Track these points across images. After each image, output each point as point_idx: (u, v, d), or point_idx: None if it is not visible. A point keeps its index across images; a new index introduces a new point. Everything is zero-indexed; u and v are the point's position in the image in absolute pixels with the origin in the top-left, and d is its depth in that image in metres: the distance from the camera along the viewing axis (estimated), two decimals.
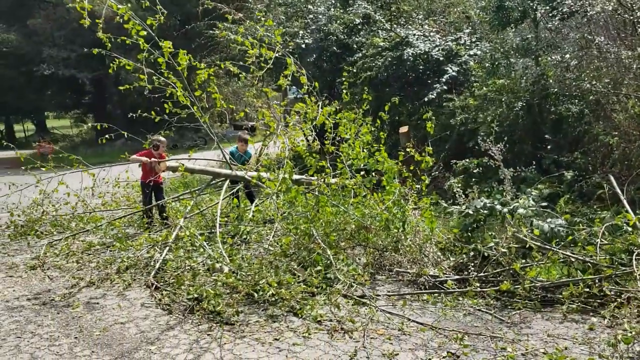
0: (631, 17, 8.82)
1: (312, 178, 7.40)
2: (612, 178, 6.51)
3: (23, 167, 8.22)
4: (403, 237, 6.51)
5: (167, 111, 7.47)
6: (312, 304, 5.15)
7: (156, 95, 7.15)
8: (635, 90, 9.10)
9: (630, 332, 4.10)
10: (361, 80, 12.19)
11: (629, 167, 8.51)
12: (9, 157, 23.02)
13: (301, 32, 13.87)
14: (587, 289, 4.91)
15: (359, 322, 4.80)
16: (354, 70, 12.22)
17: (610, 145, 8.81)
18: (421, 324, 4.74)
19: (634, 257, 4.86)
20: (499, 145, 7.65)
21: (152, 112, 7.52)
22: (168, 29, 24.80)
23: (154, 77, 7.12)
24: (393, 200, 6.73)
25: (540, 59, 9.95)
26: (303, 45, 13.54)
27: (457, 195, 7.35)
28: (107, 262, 6.96)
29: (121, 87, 7.58)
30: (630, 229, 5.43)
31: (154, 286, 5.94)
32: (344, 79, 8.29)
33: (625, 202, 5.92)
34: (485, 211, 6.26)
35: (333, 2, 14.72)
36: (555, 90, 9.67)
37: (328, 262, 5.96)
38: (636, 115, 8.84)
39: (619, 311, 4.60)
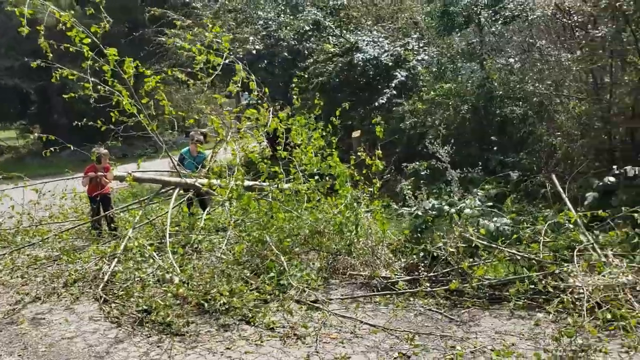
0: (569, 21, 9.20)
1: (265, 184, 7.37)
2: (554, 177, 6.74)
3: None
4: (356, 240, 6.56)
5: (114, 120, 7.30)
6: (265, 312, 5.12)
7: (102, 104, 6.99)
8: (576, 92, 9.50)
9: (573, 326, 4.24)
10: (313, 85, 12.26)
11: (572, 166, 8.85)
12: None
13: (251, 38, 13.84)
14: (533, 286, 5.05)
15: (311, 327, 4.81)
16: (306, 76, 12.27)
17: (554, 146, 9.15)
18: (373, 325, 4.78)
19: (575, 253, 5.04)
20: (446, 148, 7.83)
21: (99, 121, 7.34)
22: (115, 36, 24.24)
23: (100, 86, 6.96)
24: (346, 204, 6.78)
25: (485, 62, 10.24)
26: (254, 51, 13.51)
27: (407, 197, 7.46)
28: (54, 276, 6.74)
29: (65, 96, 7.37)
30: (572, 226, 5.63)
31: (103, 299, 5.79)
32: (293, 84, 8.31)
33: (567, 200, 6.14)
34: (434, 212, 6.39)
35: (283, 8, 14.75)
36: (500, 93, 9.98)
37: (281, 268, 5.96)
38: (577, 115, 9.21)
39: (563, 306, 4.75)
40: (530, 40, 9.64)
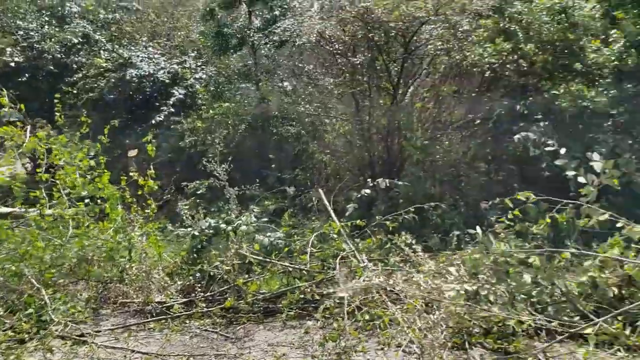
0: (332, 49, 10.04)
1: (21, 210, 6.62)
2: (320, 191, 7.23)
3: None
4: (129, 266, 6.23)
5: None
6: (19, 353, 4.56)
7: None
8: (341, 113, 10.40)
9: (337, 330, 4.57)
10: (83, 101, 11.47)
11: (340, 180, 9.65)
12: None
13: (9, 49, 12.46)
14: (303, 295, 5.33)
15: None
16: (75, 92, 11.43)
17: (324, 162, 9.87)
18: (145, 353, 4.57)
19: (337, 260, 5.45)
20: (223, 166, 7.93)
21: None
22: None
23: None
24: (117, 228, 6.41)
25: (260, 84, 10.67)
26: (12, 64, 12.18)
27: (185, 217, 7.36)
28: None
29: None
30: (336, 235, 6.09)
31: None
32: (56, 100, 7.64)
33: (331, 212, 6.62)
34: (211, 231, 6.38)
35: (47, 19, 13.56)
36: (276, 113, 10.48)
37: (43, 302, 5.38)
38: (343, 135, 10.08)
39: (329, 312, 5.09)
40: (300, 65, 10.31)
